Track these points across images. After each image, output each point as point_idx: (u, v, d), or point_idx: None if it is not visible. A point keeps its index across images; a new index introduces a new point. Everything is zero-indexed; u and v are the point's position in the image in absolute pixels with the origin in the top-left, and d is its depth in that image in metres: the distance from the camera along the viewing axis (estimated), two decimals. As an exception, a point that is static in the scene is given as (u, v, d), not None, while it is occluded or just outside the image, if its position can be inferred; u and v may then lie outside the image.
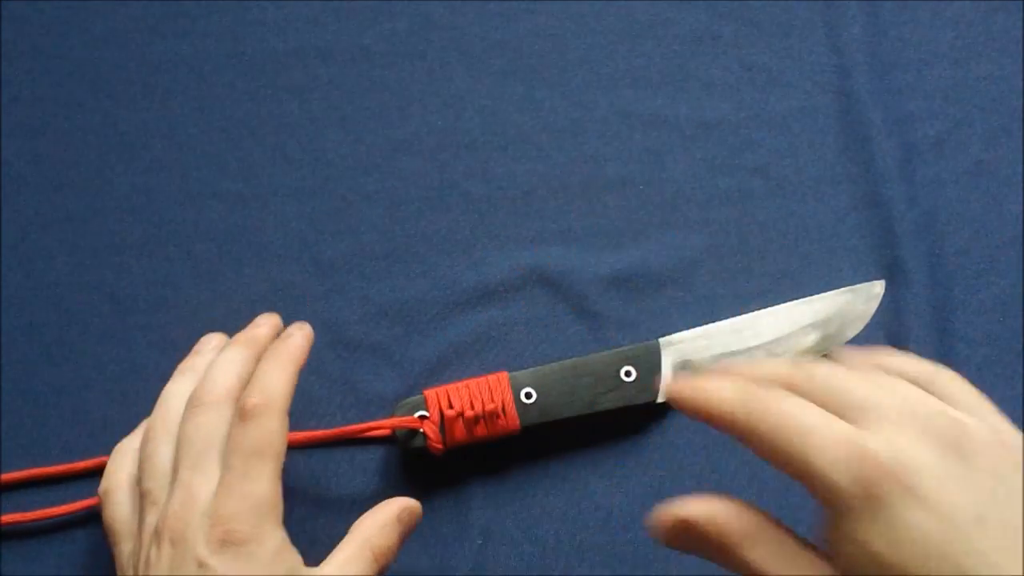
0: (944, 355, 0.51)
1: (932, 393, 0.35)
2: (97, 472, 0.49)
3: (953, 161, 0.55)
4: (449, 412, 0.47)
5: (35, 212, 0.53)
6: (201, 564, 0.38)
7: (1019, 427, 0.50)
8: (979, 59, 0.57)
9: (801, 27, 0.57)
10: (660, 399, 0.49)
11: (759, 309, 0.52)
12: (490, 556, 0.49)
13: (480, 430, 0.48)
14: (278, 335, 0.46)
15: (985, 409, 0.35)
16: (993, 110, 0.56)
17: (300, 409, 0.51)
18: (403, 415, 0.48)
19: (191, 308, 0.52)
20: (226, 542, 0.38)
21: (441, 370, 0.51)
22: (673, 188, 0.54)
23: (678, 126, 0.55)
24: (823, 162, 0.55)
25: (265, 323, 0.47)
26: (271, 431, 0.40)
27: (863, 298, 0.52)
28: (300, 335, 0.45)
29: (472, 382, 0.48)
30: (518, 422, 0.48)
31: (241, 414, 0.40)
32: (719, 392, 0.35)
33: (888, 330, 0.52)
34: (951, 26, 0.58)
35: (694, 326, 0.51)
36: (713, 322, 0.51)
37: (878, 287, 0.52)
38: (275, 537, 0.39)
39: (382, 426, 0.48)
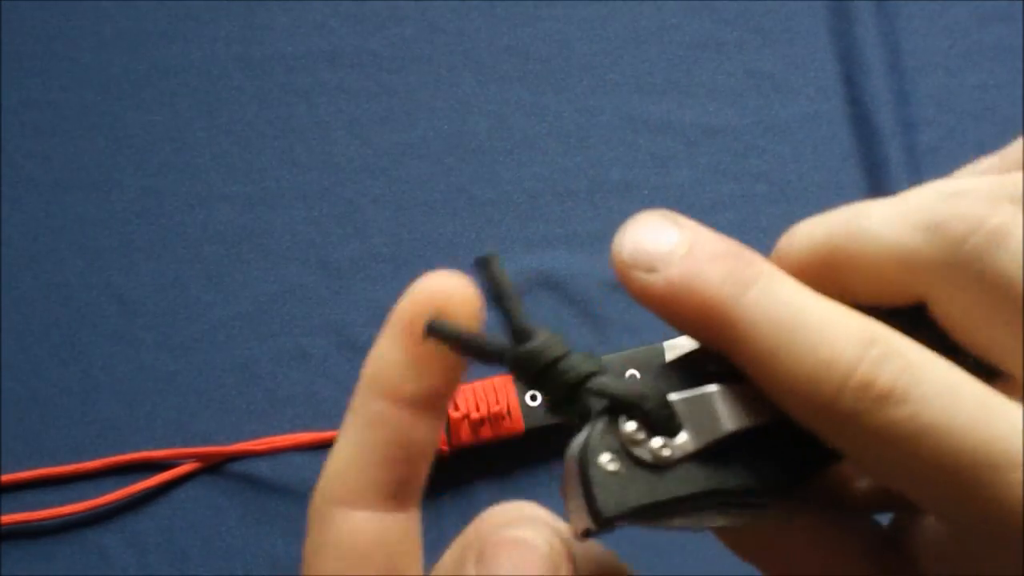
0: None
1: None
2: (103, 473, 0.50)
3: (947, 169, 0.55)
4: (455, 414, 0.48)
5: (43, 214, 0.53)
6: None
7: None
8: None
9: (806, 33, 0.57)
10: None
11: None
12: (494, 558, 0.49)
13: (485, 432, 0.48)
14: None
15: None
16: (986, 119, 0.56)
17: (306, 411, 0.51)
18: (409, 417, 0.48)
19: (199, 310, 0.52)
20: None
21: (447, 372, 0.51)
22: (677, 193, 0.55)
23: (683, 132, 0.56)
24: (827, 168, 0.55)
25: None
26: None
27: (866, 303, 0.52)
28: None
29: (478, 384, 0.49)
30: (523, 424, 0.48)
31: None
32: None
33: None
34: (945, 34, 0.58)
35: (698, 330, 0.52)
36: (717, 326, 0.52)
37: (881, 292, 0.52)
38: None
39: (388, 428, 0.48)
